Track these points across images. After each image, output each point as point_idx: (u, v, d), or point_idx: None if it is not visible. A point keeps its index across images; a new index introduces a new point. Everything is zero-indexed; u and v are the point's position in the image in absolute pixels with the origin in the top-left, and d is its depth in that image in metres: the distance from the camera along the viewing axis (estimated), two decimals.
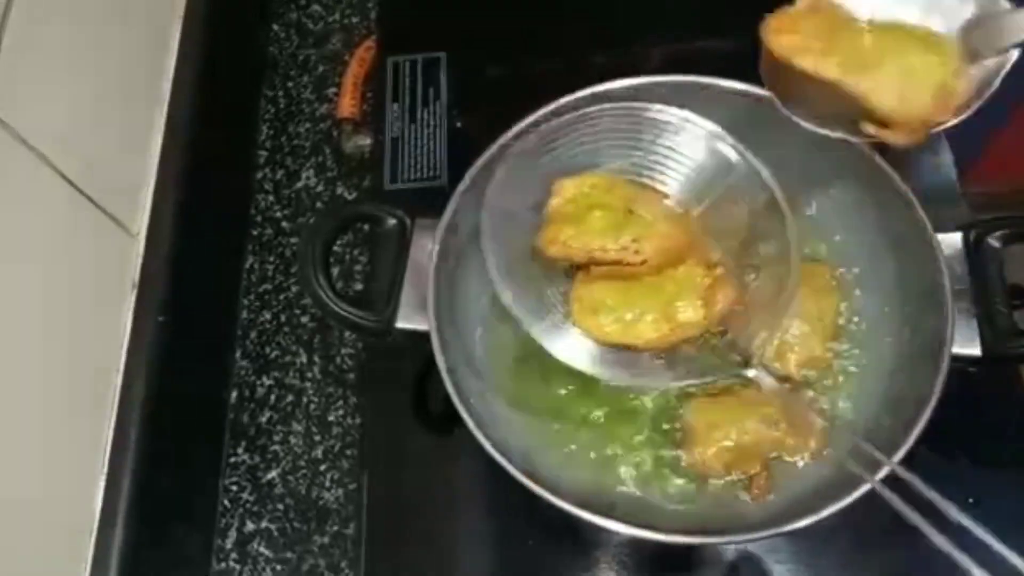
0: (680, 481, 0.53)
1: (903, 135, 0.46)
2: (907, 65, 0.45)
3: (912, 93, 0.45)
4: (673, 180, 0.53)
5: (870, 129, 0.47)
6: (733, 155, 0.51)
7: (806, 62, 0.46)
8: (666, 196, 0.53)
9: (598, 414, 0.55)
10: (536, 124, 0.54)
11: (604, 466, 0.54)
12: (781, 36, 0.47)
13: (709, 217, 0.52)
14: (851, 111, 0.47)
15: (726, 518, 0.52)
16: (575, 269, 0.51)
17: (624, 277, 0.50)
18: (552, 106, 0.54)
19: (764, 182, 0.50)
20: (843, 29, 0.47)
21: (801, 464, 0.52)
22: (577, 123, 0.52)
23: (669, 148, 0.52)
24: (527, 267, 0.51)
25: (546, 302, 0.51)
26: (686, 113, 0.51)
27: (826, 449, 0.51)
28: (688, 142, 0.52)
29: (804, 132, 0.50)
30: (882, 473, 0.42)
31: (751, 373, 0.48)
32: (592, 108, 0.52)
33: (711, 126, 0.51)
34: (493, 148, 0.54)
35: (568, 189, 0.52)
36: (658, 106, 0.51)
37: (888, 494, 0.39)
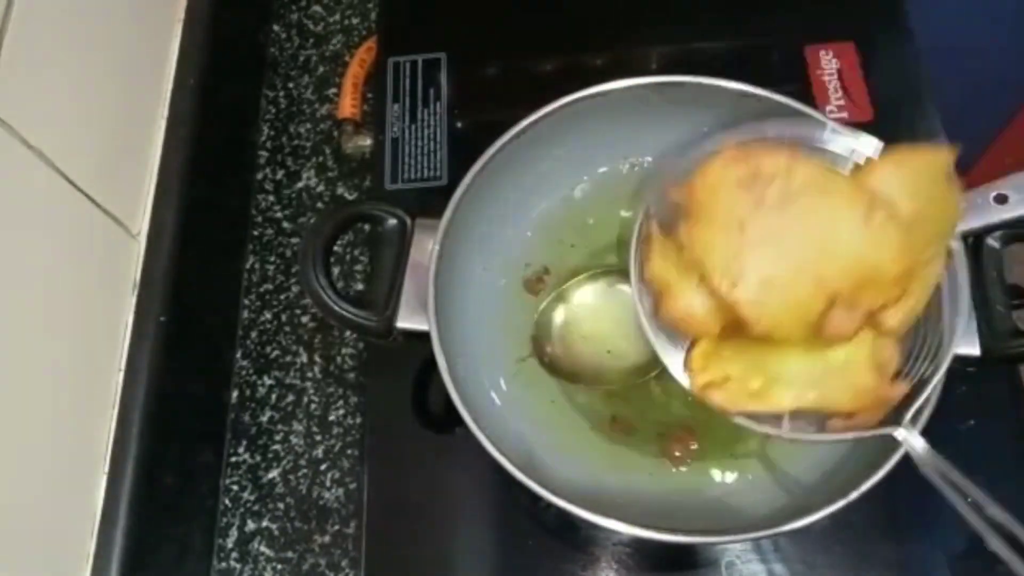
0: (682, 481, 0.53)
1: (871, 414, 0.44)
2: (833, 363, 0.43)
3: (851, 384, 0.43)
4: None
5: (839, 424, 0.44)
6: None
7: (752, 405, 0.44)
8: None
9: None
10: (536, 124, 0.54)
11: (605, 465, 0.54)
12: (710, 389, 0.44)
13: None
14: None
15: (726, 518, 0.52)
16: None
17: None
18: (552, 106, 0.54)
19: None
20: (755, 351, 0.44)
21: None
22: None
23: None
24: None
25: None
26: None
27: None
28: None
29: None
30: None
31: (899, 435, 0.43)
32: None
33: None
34: (493, 148, 0.54)
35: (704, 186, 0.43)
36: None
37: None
